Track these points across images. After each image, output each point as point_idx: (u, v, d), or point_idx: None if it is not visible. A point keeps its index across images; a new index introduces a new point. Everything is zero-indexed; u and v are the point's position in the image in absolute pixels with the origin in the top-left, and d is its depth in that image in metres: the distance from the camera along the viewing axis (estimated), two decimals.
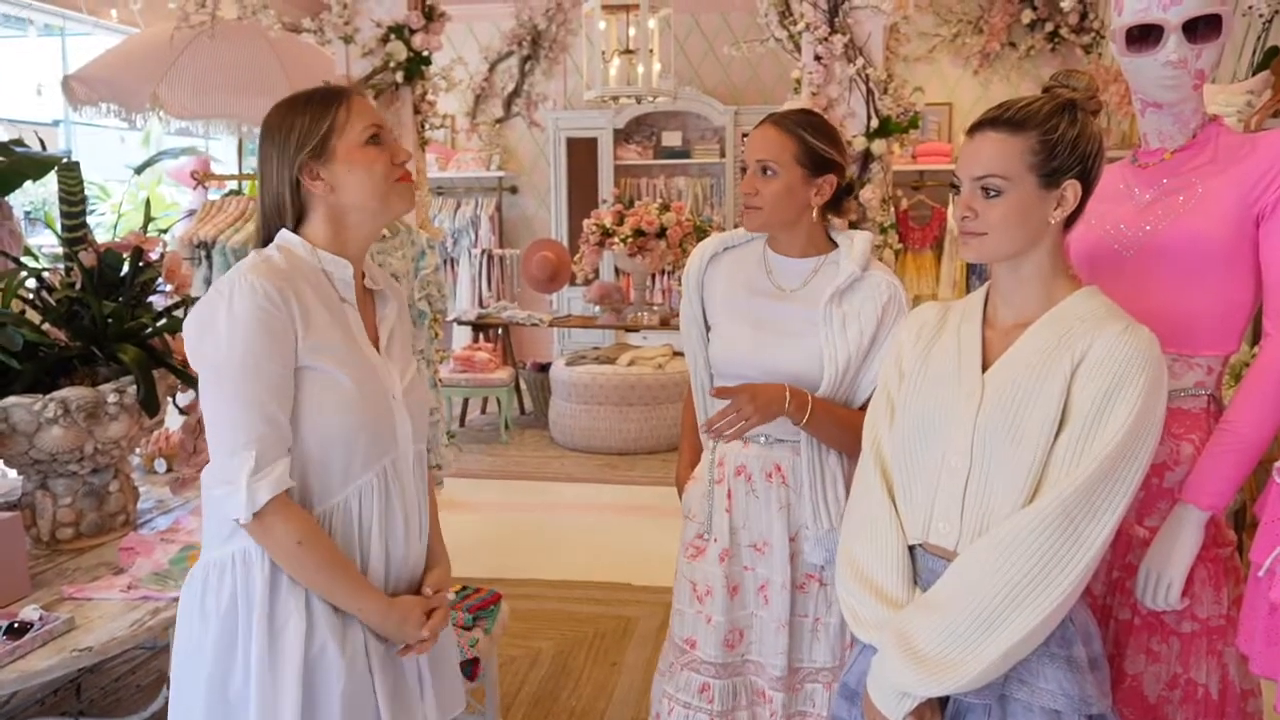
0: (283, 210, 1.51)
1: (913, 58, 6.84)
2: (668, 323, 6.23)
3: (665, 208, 6.16)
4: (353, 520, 1.50)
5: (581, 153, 7.56)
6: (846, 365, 1.85)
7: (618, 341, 6.77)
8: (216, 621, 1.44)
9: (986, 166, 1.44)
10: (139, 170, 3.24)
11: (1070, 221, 1.49)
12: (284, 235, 1.51)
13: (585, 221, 6.33)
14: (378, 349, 1.56)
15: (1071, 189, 1.45)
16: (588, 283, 6.98)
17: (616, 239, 6.07)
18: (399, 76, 4.16)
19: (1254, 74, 4.32)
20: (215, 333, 1.39)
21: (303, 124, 1.47)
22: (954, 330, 1.56)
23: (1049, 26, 6.87)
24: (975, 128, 1.48)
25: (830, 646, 1.92)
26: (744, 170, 1.95)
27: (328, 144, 1.47)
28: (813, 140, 1.88)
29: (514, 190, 8.02)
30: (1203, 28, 1.58)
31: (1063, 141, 1.43)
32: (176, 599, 1.87)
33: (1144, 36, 1.61)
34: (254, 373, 1.38)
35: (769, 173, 1.88)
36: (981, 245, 1.46)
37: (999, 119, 1.45)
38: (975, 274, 7.04)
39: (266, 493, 1.37)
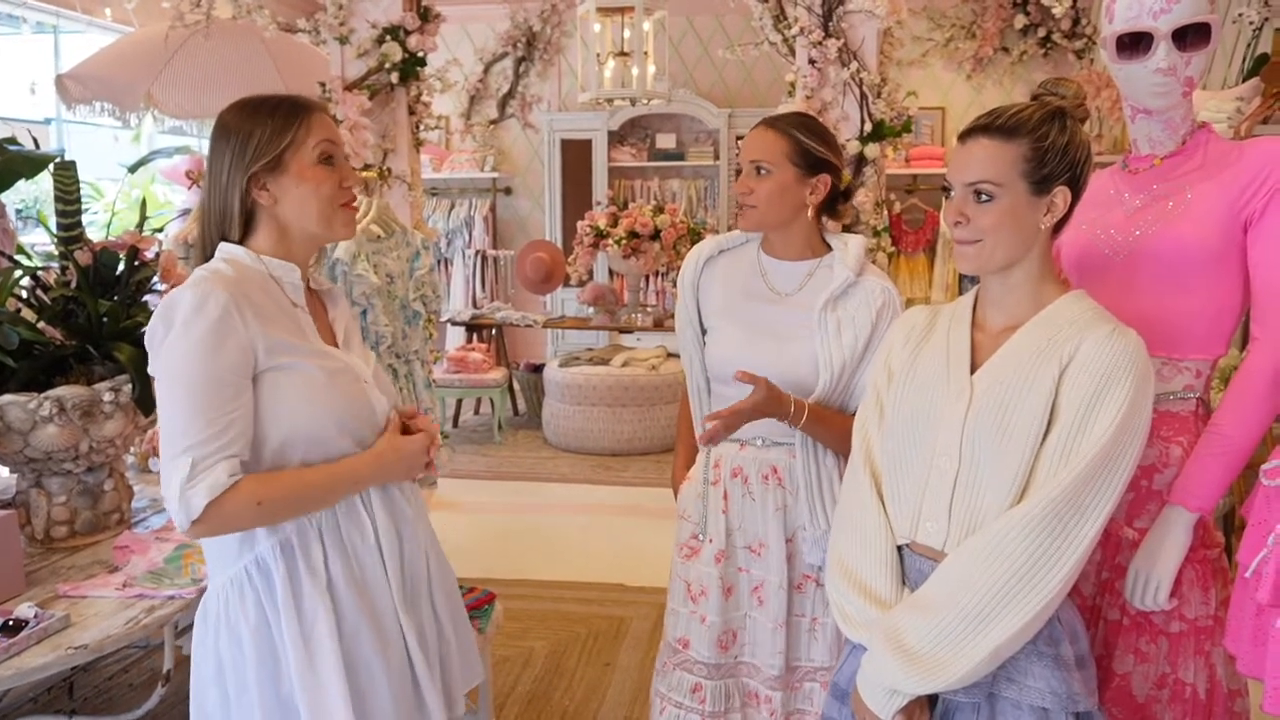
0: (226, 216, 1.50)
1: (906, 62, 6.87)
2: (662, 324, 6.25)
3: (659, 209, 6.18)
4: (355, 502, 1.52)
5: (576, 154, 7.57)
6: (841, 370, 1.86)
7: (611, 343, 6.78)
8: (250, 637, 1.45)
9: (979, 173, 1.46)
10: (133, 169, 3.23)
11: (1058, 227, 1.50)
12: (226, 248, 1.50)
13: (579, 223, 6.34)
14: (336, 345, 1.58)
15: (1061, 195, 1.46)
16: (582, 284, 6.98)
17: (611, 240, 6.08)
18: (394, 77, 4.17)
19: (1244, 81, 4.36)
20: (166, 341, 1.40)
21: (263, 133, 1.47)
22: (943, 333, 1.57)
23: (1041, 32, 6.91)
24: (967, 134, 1.49)
25: (828, 646, 1.94)
26: (739, 173, 1.96)
27: (283, 158, 1.48)
28: (805, 139, 1.90)
29: (508, 191, 8.03)
30: (1191, 36, 1.60)
31: (1053, 149, 1.44)
32: (172, 597, 1.90)
33: (1134, 44, 1.63)
34: (200, 380, 1.37)
35: (762, 171, 1.89)
36: (978, 253, 1.47)
37: (991, 126, 1.47)
38: (968, 278, 7.07)
39: (202, 498, 1.35)
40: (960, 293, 7.07)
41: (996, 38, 7.03)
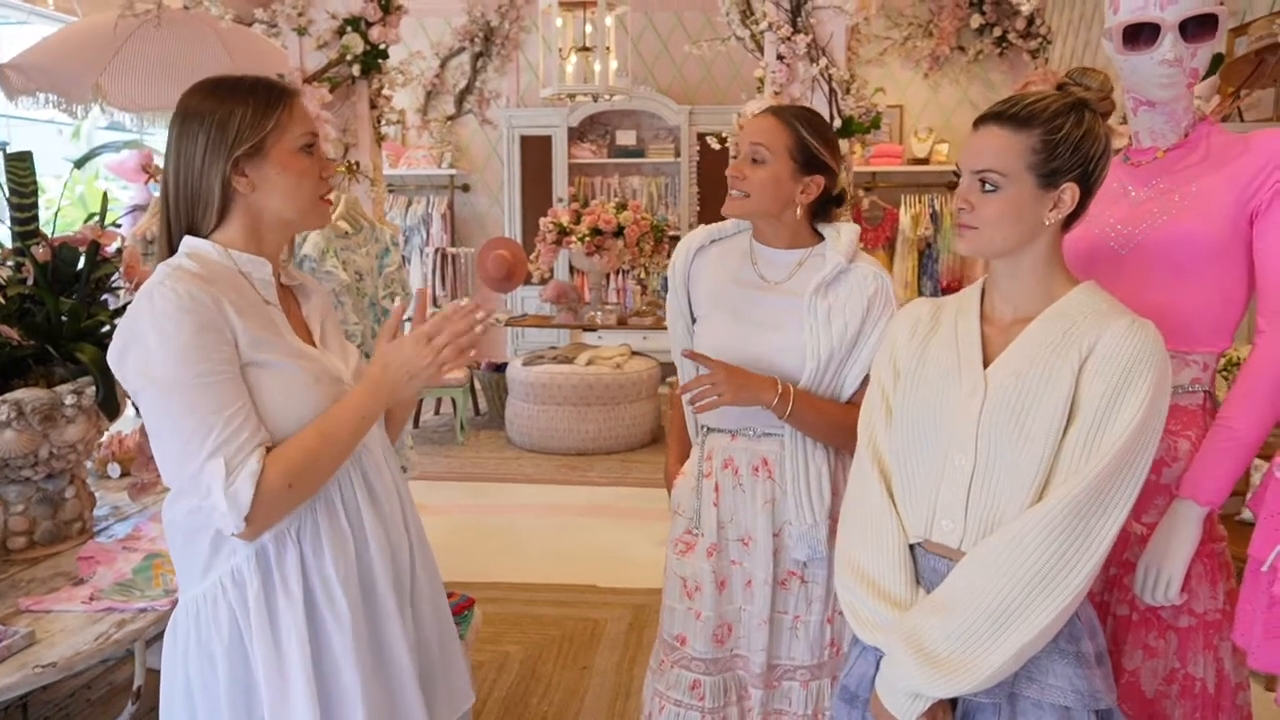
0: (201, 205, 1.40)
1: (864, 60, 6.89)
2: (625, 322, 6.20)
3: (622, 206, 6.13)
4: (338, 511, 1.44)
5: (535, 151, 7.49)
6: (829, 358, 1.83)
7: (574, 341, 6.71)
8: (223, 656, 1.38)
9: (986, 161, 1.43)
10: (79, 164, 3.10)
11: (1070, 222, 1.48)
12: (190, 242, 1.41)
13: (542, 220, 6.27)
14: (313, 343, 1.50)
15: (1070, 191, 1.42)
16: (543, 281, 6.90)
17: (574, 238, 6.02)
18: (355, 70, 4.06)
19: (1202, 80, 4.43)
20: (147, 348, 1.30)
21: (243, 115, 1.38)
22: (950, 326, 1.54)
23: (997, 31, 7.00)
24: (981, 121, 1.46)
25: (809, 645, 1.91)
26: (733, 159, 1.91)
27: (265, 143, 1.39)
28: (807, 136, 1.85)
29: (466, 188, 7.92)
30: (1195, 27, 1.59)
31: (1065, 142, 1.41)
32: (143, 610, 1.81)
33: (1139, 35, 1.62)
34: (201, 379, 1.30)
35: (758, 159, 1.85)
36: (975, 239, 1.45)
37: (1004, 114, 1.44)
38: (927, 274, 7.13)
39: (248, 489, 1.29)
40: (920, 291, 7.12)
41: (953, 36, 7.10)
